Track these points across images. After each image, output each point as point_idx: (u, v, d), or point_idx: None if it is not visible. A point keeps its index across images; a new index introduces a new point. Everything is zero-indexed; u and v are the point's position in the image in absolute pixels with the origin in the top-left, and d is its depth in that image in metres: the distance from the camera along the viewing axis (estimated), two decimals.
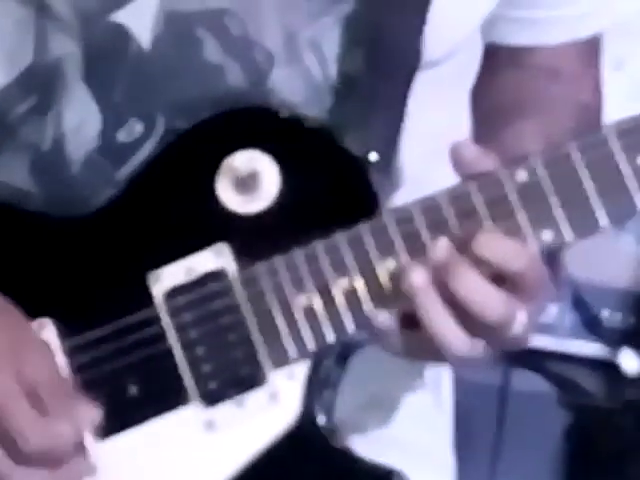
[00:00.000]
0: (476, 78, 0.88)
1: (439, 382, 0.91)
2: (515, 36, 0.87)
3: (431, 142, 0.79)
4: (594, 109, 0.87)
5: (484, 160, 0.71)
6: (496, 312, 0.69)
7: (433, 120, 0.83)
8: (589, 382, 1.80)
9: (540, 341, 1.69)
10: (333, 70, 0.79)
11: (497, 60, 0.88)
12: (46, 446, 0.72)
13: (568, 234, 0.71)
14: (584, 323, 1.76)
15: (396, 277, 0.72)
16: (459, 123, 0.86)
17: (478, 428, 1.73)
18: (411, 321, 0.71)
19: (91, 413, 0.75)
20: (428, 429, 0.87)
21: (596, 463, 1.79)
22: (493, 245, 0.69)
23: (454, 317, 0.69)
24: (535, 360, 1.75)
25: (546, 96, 0.87)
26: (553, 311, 1.73)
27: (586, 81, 0.89)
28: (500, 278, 0.69)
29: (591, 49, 0.89)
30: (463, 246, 0.69)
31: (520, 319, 0.70)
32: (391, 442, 0.82)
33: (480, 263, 0.68)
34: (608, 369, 1.75)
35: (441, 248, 0.69)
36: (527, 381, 1.78)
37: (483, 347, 0.71)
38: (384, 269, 0.72)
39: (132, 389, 0.76)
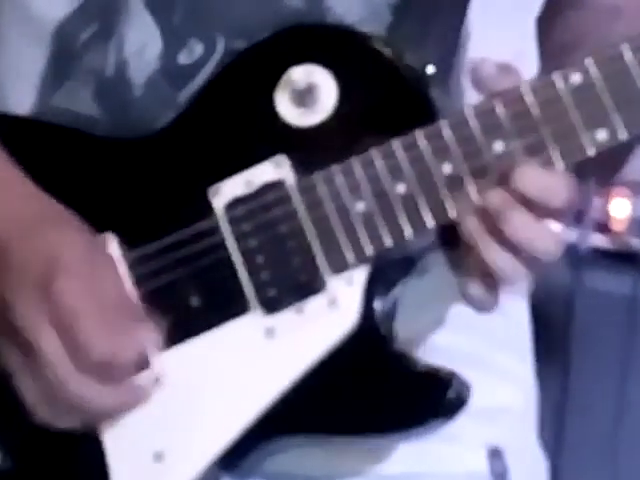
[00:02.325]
0: (541, 11, 0.89)
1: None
2: None
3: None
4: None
5: (507, 76, 0.73)
6: (544, 244, 0.73)
7: (497, 44, 0.85)
8: None
9: None
10: None
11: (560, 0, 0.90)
12: (109, 357, 0.74)
13: (622, 133, 0.72)
14: None
15: (452, 183, 0.73)
16: (522, 50, 0.88)
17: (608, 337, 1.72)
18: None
19: (154, 326, 0.76)
20: (500, 348, 0.87)
21: None
22: (535, 182, 0.72)
23: (506, 251, 0.72)
24: None
25: (609, 33, 0.88)
26: None
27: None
28: None
29: None
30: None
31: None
32: (458, 357, 0.82)
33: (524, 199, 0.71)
34: None
35: (493, 197, 0.72)
36: None
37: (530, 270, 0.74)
38: (440, 174, 0.74)
39: (193, 299, 0.77)
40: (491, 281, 0.74)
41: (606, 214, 1.67)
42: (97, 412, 0.75)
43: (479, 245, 0.73)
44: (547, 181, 0.73)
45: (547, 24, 0.89)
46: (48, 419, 0.75)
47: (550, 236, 0.74)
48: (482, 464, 0.84)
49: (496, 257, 0.73)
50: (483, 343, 0.85)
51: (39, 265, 0.74)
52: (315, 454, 0.78)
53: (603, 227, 1.66)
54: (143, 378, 0.76)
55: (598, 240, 1.65)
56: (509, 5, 0.85)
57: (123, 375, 0.76)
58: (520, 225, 0.72)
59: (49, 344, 0.73)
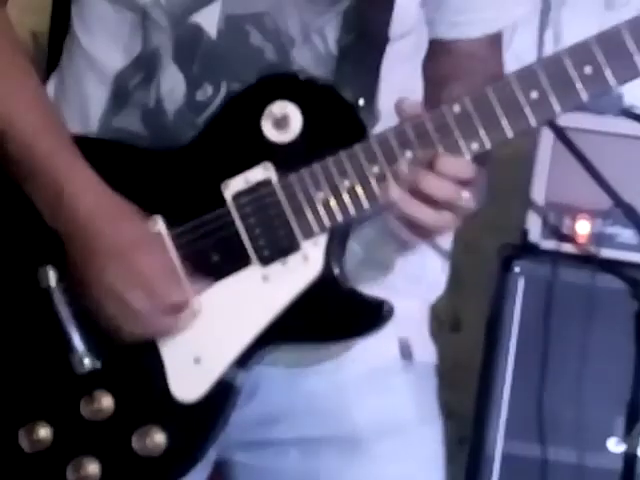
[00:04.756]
0: (424, 57, 1.30)
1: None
2: (446, 33, 1.28)
3: (398, 94, 1.19)
4: (498, 77, 1.25)
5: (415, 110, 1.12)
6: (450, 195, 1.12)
7: (399, 80, 1.24)
8: None
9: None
10: (333, 46, 1.19)
11: (436, 48, 1.30)
12: (177, 301, 1.16)
13: (487, 144, 1.11)
14: None
15: (379, 178, 1.13)
16: (416, 84, 1.29)
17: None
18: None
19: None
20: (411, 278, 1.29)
21: None
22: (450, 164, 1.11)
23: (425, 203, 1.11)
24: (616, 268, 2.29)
25: (467, 71, 1.28)
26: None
27: (493, 60, 1.31)
28: None
29: (496, 40, 1.31)
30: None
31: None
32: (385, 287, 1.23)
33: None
34: None
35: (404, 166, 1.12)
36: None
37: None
38: (371, 171, 1.13)
39: (214, 257, 1.18)
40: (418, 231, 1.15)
41: (574, 231, 2.33)
42: (162, 333, 1.17)
43: (409, 208, 1.13)
44: (454, 163, 1.12)
45: (429, 64, 1.30)
46: (131, 339, 1.18)
47: (458, 195, 1.11)
48: (395, 349, 1.28)
49: (420, 213, 1.13)
50: (400, 274, 1.27)
51: (121, 245, 1.15)
52: (292, 354, 1.21)
53: (572, 239, 2.32)
54: (188, 312, 1.18)
55: (569, 248, 2.34)
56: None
57: (179, 310, 1.18)
58: (437, 186, 1.12)
59: (135, 297, 1.14)
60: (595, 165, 2.18)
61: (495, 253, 2.41)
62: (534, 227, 2.35)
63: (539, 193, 2.35)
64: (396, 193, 1.10)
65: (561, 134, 2.22)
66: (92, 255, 1.16)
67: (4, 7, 1.27)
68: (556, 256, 2.31)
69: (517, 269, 2.31)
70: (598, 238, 2.31)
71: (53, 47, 1.38)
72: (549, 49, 2.61)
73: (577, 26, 2.69)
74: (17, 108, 1.22)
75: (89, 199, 1.18)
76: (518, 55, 1.35)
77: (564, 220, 2.32)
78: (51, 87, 1.32)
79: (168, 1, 1.20)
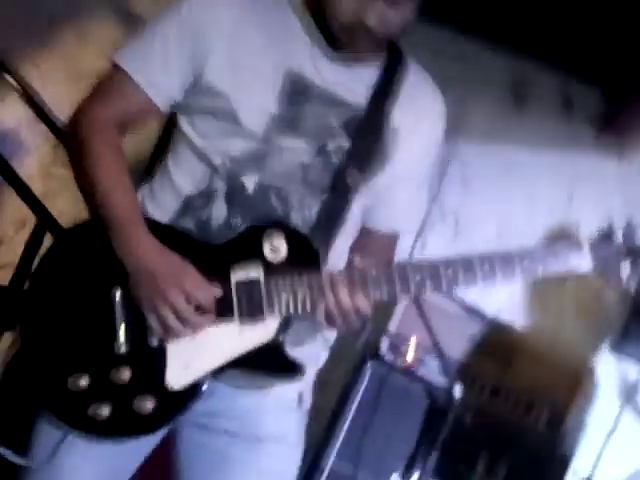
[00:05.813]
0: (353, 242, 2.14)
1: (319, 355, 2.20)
2: (369, 223, 2.16)
3: (341, 250, 2.10)
4: (390, 259, 2.15)
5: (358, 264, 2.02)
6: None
7: (342, 242, 2.11)
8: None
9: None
10: (314, 216, 2.03)
11: (362, 228, 2.15)
12: (204, 302, 1.94)
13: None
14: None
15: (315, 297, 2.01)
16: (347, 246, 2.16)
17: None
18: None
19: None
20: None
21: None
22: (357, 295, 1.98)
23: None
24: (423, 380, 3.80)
25: (370, 250, 2.11)
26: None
27: (390, 247, 2.20)
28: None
29: (394, 236, 2.20)
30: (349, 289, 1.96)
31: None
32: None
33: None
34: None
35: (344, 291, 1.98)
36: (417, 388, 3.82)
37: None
38: (319, 292, 2.00)
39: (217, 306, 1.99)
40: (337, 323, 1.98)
41: (406, 353, 3.79)
42: (180, 334, 1.95)
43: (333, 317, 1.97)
44: (360, 297, 1.98)
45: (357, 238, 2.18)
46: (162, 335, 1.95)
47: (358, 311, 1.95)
48: (295, 396, 2.08)
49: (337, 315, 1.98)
50: (306, 352, 2.09)
51: (170, 274, 1.88)
52: (241, 378, 1.96)
53: (403, 358, 3.83)
54: (204, 319, 1.97)
55: (400, 362, 3.81)
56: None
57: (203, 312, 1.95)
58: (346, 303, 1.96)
59: (177, 300, 1.87)
60: (430, 320, 3.72)
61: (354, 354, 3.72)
62: (384, 344, 3.76)
63: (393, 324, 3.82)
64: (331, 303, 1.95)
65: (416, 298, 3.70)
66: (154, 279, 1.88)
67: (124, 136, 2.05)
68: (391, 365, 3.76)
69: (368, 364, 3.74)
70: (419, 362, 3.79)
71: (148, 169, 2.20)
72: (417, 253, 3.91)
73: (435, 245, 4.10)
74: (117, 190, 1.95)
75: (149, 248, 1.94)
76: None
77: (402, 345, 3.78)
78: (144, 190, 2.06)
79: (231, 166, 1.99)
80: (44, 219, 3.78)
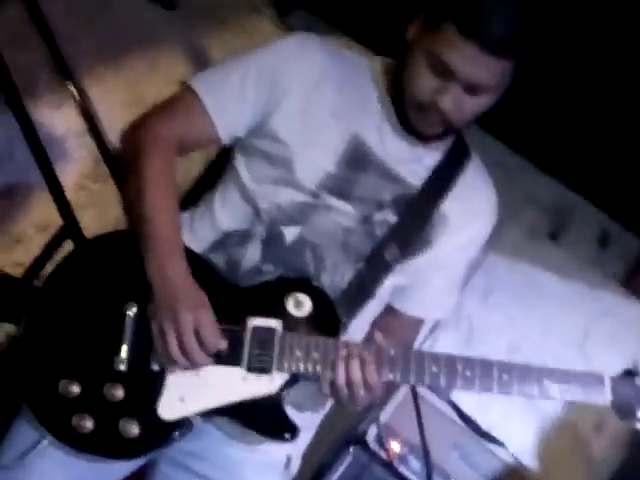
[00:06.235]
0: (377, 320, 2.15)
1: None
2: (398, 303, 2.16)
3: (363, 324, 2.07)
4: (411, 344, 2.15)
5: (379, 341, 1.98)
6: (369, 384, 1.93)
7: (366, 316, 2.11)
8: None
9: None
10: (344, 283, 2.02)
11: (388, 307, 2.15)
12: (211, 345, 1.91)
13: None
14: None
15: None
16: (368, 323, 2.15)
17: None
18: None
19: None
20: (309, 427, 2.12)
21: None
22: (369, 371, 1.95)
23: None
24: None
25: (394, 330, 2.13)
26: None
27: (414, 331, 2.18)
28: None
29: (420, 321, 2.18)
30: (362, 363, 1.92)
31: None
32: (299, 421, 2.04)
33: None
34: None
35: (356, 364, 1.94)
36: None
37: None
38: (330, 359, 1.96)
39: (225, 349, 1.94)
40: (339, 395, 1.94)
41: (390, 447, 3.68)
42: (189, 364, 1.91)
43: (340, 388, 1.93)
44: (372, 374, 1.94)
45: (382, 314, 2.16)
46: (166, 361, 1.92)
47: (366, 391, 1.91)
48: (284, 458, 2.07)
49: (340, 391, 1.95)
50: (314, 410, 2.07)
51: (191, 305, 1.86)
52: (231, 426, 1.97)
53: (387, 451, 3.68)
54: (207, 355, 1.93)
55: (383, 454, 3.68)
56: None
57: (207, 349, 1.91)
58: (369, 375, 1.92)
59: (186, 328, 1.84)
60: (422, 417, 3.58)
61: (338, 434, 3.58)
62: (372, 432, 3.60)
63: (385, 415, 3.64)
64: (341, 373, 1.90)
65: (414, 392, 3.61)
66: (173, 303, 1.85)
67: (180, 157, 2.05)
68: (373, 455, 3.61)
69: (351, 449, 3.60)
70: (400, 458, 3.63)
71: (189, 200, 2.19)
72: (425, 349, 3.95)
73: (445, 347, 4.12)
74: (166, 210, 1.94)
75: (181, 274, 1.91)
76: None
77: (389, 438, 3.64)
78: (184, 216, 2.05)
79: (276, 214, 1.99)
80: (70, 225, 3.77)
